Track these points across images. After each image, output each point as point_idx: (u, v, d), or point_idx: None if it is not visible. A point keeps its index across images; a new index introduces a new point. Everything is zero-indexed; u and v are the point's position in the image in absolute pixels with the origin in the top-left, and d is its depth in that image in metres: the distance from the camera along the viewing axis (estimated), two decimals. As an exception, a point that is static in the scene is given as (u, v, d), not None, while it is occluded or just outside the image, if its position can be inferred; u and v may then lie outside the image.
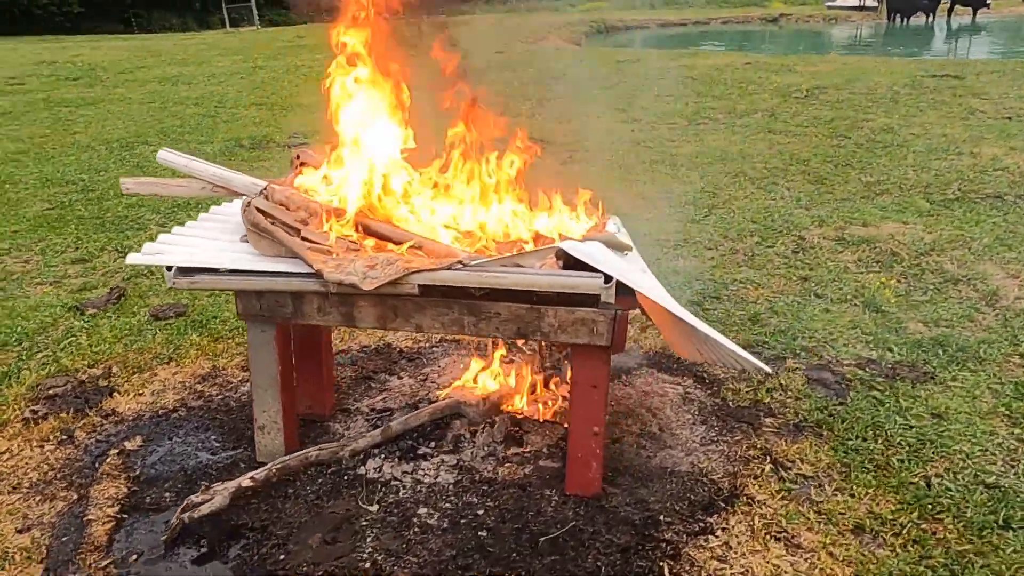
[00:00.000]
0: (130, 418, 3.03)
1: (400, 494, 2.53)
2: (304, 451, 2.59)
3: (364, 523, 2.39)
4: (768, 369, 2.44)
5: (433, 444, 2.76)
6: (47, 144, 8.67)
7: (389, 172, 2.57)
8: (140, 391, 3.22)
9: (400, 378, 3.32)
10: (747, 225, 5.10)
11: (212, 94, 11.85)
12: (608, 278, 2.17)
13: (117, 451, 2.81)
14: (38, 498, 2.56)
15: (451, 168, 2.72)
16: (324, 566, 2.21)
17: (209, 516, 2.37)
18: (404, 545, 2.29)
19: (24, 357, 3.51)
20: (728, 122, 8.53)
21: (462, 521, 2.40)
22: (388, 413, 3.00)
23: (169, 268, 2.31)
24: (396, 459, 2.69)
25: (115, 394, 3.19)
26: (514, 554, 2.25)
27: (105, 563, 2.25)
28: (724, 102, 9.69)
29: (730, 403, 3.06)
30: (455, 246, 2.41)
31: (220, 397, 3.17)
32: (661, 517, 2.41)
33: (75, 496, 2.56)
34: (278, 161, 7.38)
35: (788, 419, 2.93)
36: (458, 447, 2.75)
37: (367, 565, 2.21)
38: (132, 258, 2.34)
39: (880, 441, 2.77)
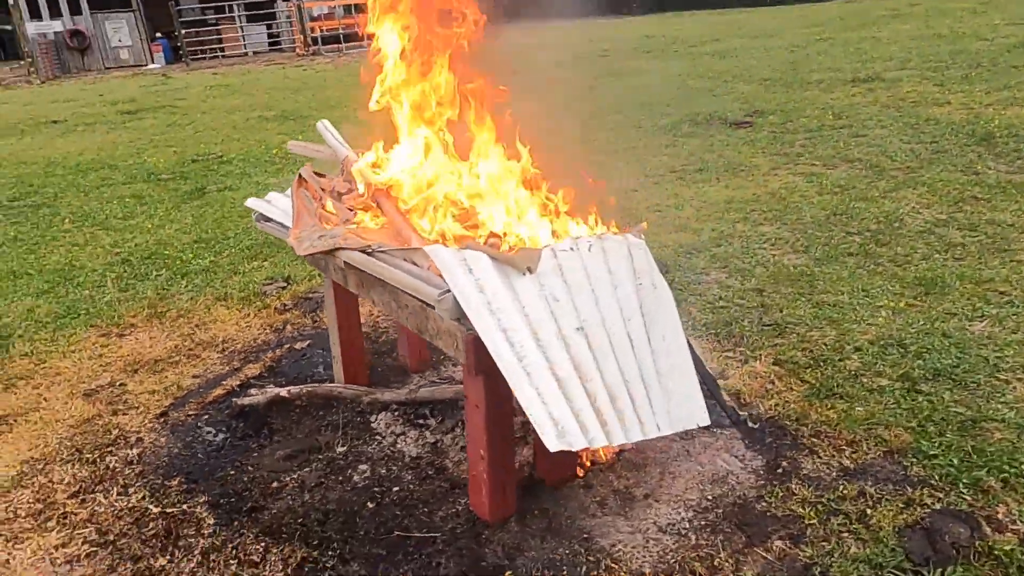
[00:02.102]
0: (324, 327, 3.90)
1: (370, 448, 2.79)
2: (333, 385, 3.05)
3: (320, 457, 2.76)
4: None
5: (441, 420, 2.90)
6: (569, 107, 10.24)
7: (421, 159, 2.74)
8: (351, 310, 4.06)
9: (510, 358, 3.41)
10: None
11: (740, 67, 12.11)
12: (448, 290, 2.03)
13: (287, 347, 3.71)
14: (225, 361, 3.62)
15: (489, 161, 2.71)
16: (257, 472, 2.69)
17: (255, 408, 3.06)
18: (313, 483, 2.60)
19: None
20: None
21: (374, 489, 2.56)
22: (449, 381, 3.20)
23: (254, 214, 2.99)
24: (401, 420, 2.92)
25: (336, 307, 4.10)
26: (362, 531, 2.35)
27: (192, 413, 3.15)
28: None
29: (763, 502, 2.33)
30: (414, 236, 2.49)
31: (383, 328, 3.79)
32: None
33: (237, 367, 3.54)
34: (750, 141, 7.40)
35: (802, 554, 2.12)
36: (453, 429, 2.83)
37: (274, 485, 2.61)
38: (248, 201, 3.09)
39: (891, 640, 1.82)
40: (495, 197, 2.65)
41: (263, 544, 2.32)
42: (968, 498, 2.27)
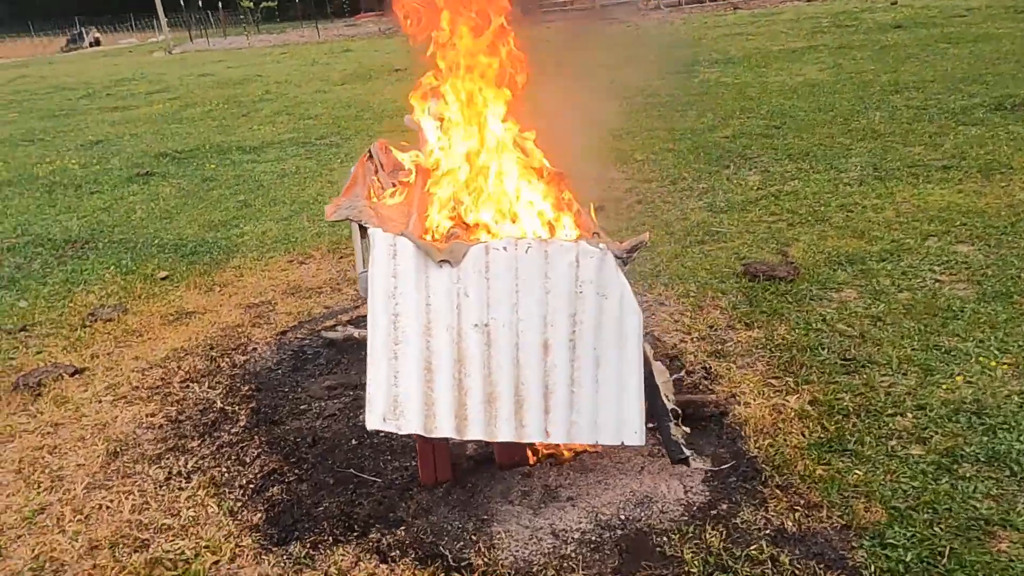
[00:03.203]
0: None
1: (391, 394, 3.17)
2: (390, 335, 3.46)
3: (351, 393, 3.21)
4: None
5: (458, 384, 3.16)
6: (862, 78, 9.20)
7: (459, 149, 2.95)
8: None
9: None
10: None
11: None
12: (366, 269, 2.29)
13: (406, 294, 4.20)
14: (355, 298, 4.24)
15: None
16: (301, 393, 3.24)
17: (334, 341, 3.62)
18: (329, 413, 3.06)
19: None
20: None
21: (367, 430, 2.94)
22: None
23: (349, 177, 3.47)
24: (430, 377, 3.24)
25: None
26: (330, 460, 2.76)
27: (301, 336, 3.81)
28: None
29: (665, 537, 2.23)
30: (414, 216, 2.74)
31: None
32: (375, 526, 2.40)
33: (357, 305, 4.14)
34: None
35: (660, 598, 2.03)
36: (460, 395, 3.08)
37: (303, 407, 3.13)
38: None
39: None
40: (505, 191, 2.77)
41: (259, 450, 2.86)
42: (891, 601, 1.94)
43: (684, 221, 4.86)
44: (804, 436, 2.60)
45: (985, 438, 2.48)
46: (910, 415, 2.64)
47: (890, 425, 2.61)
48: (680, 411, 2.53)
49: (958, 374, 2.82)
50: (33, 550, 2.41)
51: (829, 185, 5.28)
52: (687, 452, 2.45)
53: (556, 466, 2.62)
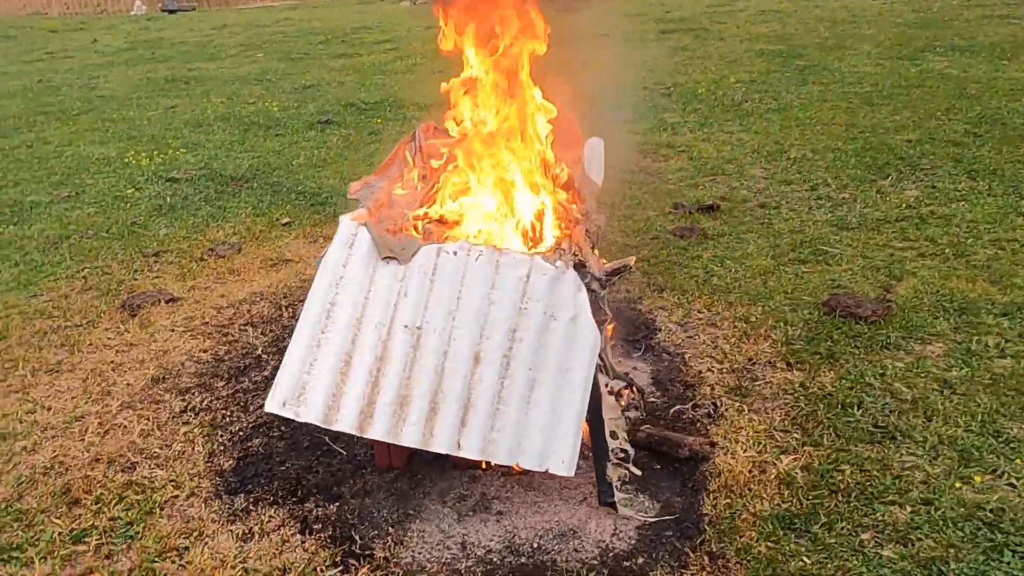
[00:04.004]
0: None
1: (403, 371, 3.26)
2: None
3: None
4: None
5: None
6: None
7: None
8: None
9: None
10: None
11: None
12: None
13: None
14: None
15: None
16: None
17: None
18: (339, 379, 3.22)
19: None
20: None
21: (364, 401, 3.07)
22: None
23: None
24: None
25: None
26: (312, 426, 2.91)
27: (363, 299, 4.01)
28: None
29: (559, 579, 2.13)
30: (416, 205, 2.77)
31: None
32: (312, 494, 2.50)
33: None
34: None
35: (518, 639, 1.95)
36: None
37: (321, 368, 3.31)
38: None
39: None
40: (500, 192, 2.70)
41: (262, 401, 3.08)
42: None
43: (797, 234, 4.39)
44: (771, 505, 2.32)
45: (983, 556, 2.05)
46: (909, 508, 2.25)
47: (879, 515, 2.24)
48: (631, 452, 2.36)
49: (998, 472, 2.34)
50: (54, 451, 2.83)
51: (997, 213, 4.48)
52: (616, 496, 2.29)
53: (502, 476, 2.57)
